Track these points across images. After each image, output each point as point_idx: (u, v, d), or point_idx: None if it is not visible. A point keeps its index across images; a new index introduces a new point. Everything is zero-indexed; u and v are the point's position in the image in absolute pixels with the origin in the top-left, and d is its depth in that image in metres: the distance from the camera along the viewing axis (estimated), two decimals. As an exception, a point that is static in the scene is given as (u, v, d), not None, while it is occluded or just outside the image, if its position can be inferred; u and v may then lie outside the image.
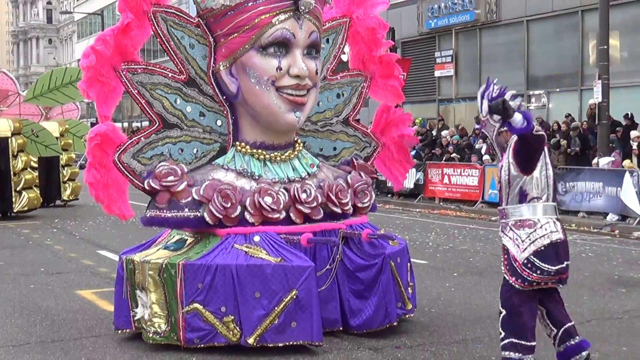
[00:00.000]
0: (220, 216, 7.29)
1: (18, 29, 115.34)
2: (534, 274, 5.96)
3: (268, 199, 7.42)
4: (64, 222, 18.32)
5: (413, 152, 22.66)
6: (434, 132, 25.56)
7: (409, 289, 8.06)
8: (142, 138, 7.53)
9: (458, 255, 13.04)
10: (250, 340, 6.93)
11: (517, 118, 5.79)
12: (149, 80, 7.59)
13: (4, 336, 7.90)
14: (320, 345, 7.08)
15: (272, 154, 7.85)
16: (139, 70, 7.55)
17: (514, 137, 6.02)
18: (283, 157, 7.90)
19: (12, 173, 19.10)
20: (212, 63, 7.77)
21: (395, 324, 7.72)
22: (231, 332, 6.96)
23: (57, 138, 21.20)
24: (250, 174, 7.63)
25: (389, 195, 23.80)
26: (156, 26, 7.58)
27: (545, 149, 6.12)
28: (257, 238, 7.26)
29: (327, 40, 8.54)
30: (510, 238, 6.09)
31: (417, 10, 30.05)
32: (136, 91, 7.53)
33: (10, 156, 19.08)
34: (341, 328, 7.62)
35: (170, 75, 7.67)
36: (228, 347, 7.03)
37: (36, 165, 21.72)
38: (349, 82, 8.79)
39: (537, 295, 6.15)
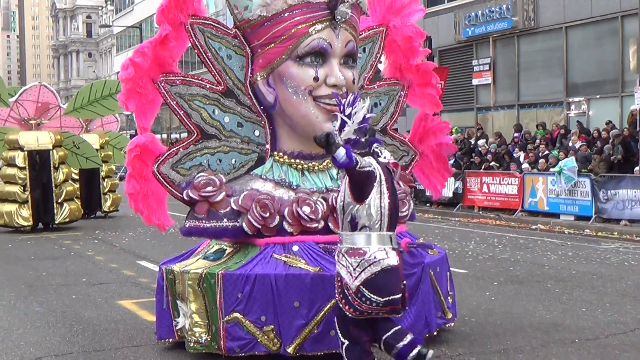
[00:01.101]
0: (259, 226, 7.31)
1: (58, 43, 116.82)
2: (364, 304, 5.84)
3: (306, 209, 7.42)
4: (104, 233, 18.48)
5: (452, 161, 22.58)
6: (472, 141, 25.42)
7: (449, 298, 8.02)
8: (180, 149, 7.58)
9: (498, 264, 12.94)
10: (290, 350, 6.93)
11: (340, 154, 5.65)
12: (187, 92, 7.64)
13: (48, 346, 7.98)
14: (360, 355, 7.04)
15: (310, 164, 7.86)
16: (177, 82, 7.61)
17: None
18: (321, 166, 7.90)
19: (53, 185, 19.31)
20: (249, 73, 7.80)
21: (434, 333, 7.68)
22: (271, 342, 6.96)
23: (97, 150, 21.41)
24: (289, 183, 7.64)
25: (427, 204, 23.69)
26: (194, 38, 7.64)
27: (383, 179, 5.97)
28: (295, 248, 7.27)
29: (364, 50, 8.54)
30: (343, 265, 5.95)
31: (454, 19, 29.93)
32: (174, 102, 7.58)
33: (52, 168, 19.29)
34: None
35: (208, 86, 7.72)
36: (268, 356, 7.04)
37: (77, 177, 21.99)
38: (386, 91, 8.78)
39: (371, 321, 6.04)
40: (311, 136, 7.70)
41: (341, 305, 5.96)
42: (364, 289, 5.82)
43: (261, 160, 7.84)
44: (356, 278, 5.83)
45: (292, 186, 7.63)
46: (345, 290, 5.90)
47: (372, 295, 5.83)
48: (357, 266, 5.85)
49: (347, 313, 5.93)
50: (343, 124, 5.95)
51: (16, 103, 19.65)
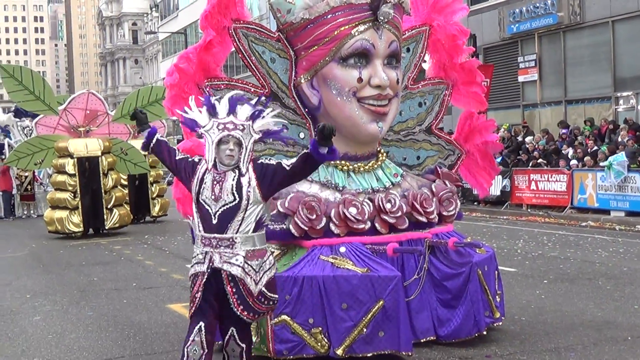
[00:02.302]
0: (306, 228, 7.33)
1: (105, 50, 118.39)
2: (263, 305, 5.71)
3: (353, 210, 7.42)
4: (153, 237, 18.67)
5: (499, 159, 22.42)
6: (519, 138, 25.21)
7: (497, 297, 7.97)
8: (225, 152, 7.62)
9: (548, 262, 12.82)
10: (339, 352, 6.93)
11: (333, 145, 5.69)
12: (232, 96, 7.68)
13: (100, 350, 8.09)
14: (410, 355, 7.04)
15: (355, 165, 7.86)
16: (222, 86, 7.66)
17: (267, 161, 5.89)
18: (366, 167, 7.90)
19: (103, 191, 19.55)
20: (293, 76, 7.83)
21: (484, 332, 7.64)
22: (319, 344, 6.98)
23: (145, 155, 21.62)
24: (335, 185, 7.65)
25: (475, 203, 23.55)
26: (237, 42, 7.69)
27: None
28: (343, 249, 7.27)
29: (408, 49, 8.52)
30: (243, 269, 5.64)
31: (498, 16, 29.71)
32: (220, 107, 7.62)
33: (101, 175, 19.54)
34: (428, 338, 7.58)
35: (252, 90, 7.76)
36: (317, 358, 7.05)
37: (126, 182, 22.24)
38: (431, 90, 8.75)
39: None
40: (356, 138, 7.74)
41: (238, 311, 5.67)
42: (265, 290, 5.71)
43: (307, 162, 7.84)
44: (259, 282, 5.67)
45: (338, 187, 7.64)
46: (246, 297, 5.65)
47: (272, 295, 5.77)
48: (259, 269, 5.69)
49: (245, 318, 5.71)
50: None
51: (65, 111, 19.94)
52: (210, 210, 5.65)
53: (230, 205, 5.63)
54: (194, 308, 5.73)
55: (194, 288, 5.72)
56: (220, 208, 5.64)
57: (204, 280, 5.66)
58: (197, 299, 5.69)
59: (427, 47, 8.69)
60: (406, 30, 8.39)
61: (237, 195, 5.63)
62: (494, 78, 25.74)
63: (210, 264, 5.65)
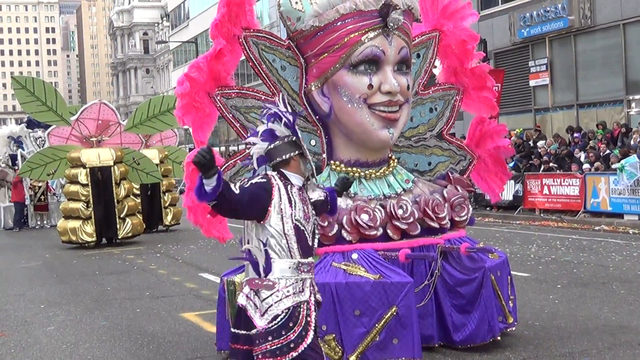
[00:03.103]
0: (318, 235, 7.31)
1: (117, 60, 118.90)
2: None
3: (365, 216, 7.42)
4: (166, 246, 18.69)
5: (511, 164, 22.37)
6: (531, 143, 25.15)
7: (510, 302, 7.95)
8: (238, 161, 7.66)
9: (561, 266, 12.77)
10: (352, 358, 6.92)
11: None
12: (243, 104, 7.71)
13: (113, 359, 8.10)
14: (423, 362, 7.03)
15: (367, 171, 7.86)
16: (233, 95, 7.69)
17: None
18: (378, 173, 7.90)
19: (115, 201, 19.60)
20: (303, 84, 7.84)
21: (498, 338, 7.62)
22: (333, 351, 6.96)
23: (157, 165, 21.70)
24: (346, 191, 7.65)
25: (488, 208, 23.49)
26: (248, 50, 7.71)
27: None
28: (355, 255, 7.27)
29: (418, 55, 8.52)
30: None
31: (509, 20, 29.68)
32: (231, 115, 7.66)
33: (114, 184, 19.58)
34: (441, 343, 7.56)
35: (263, 98, 7.77)
36: (330, 365, 7.04)
37: (138, 192, 22.29)
38: (441, 95, 8.75)
39: None
40: (367, 144, 7.74)
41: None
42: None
43: (318, 170, 7.86)
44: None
45: (350, 194, 7.63)
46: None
47: None
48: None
49: None
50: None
51: (77, 121, 20.02)
52: (305, 232, 5.24)
53: (315, 224, 5.36)
54: (305, 344, 5.11)
55: (298, 320, 5.11)
56: (311, 228, 5.30)
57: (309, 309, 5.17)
58: (310, 332, 5.14)
59: (437, 52, 8.69)
60: (416, 36, 8.40)
61: (314, 213, 5.39)
62: (505, 83, 25.65)
63: (311, 293, 5.23)
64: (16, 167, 26.71)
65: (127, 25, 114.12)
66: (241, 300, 5.20)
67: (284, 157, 5.31)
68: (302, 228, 5.20)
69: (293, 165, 5.33)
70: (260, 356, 5.06)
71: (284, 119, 5.40)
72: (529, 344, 7.83)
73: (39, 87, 19.56)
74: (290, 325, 5.09)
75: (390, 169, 8.02)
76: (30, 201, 27.06)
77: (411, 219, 7.63)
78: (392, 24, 7.52)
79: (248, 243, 5.28)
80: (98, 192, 19.47)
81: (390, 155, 8.16)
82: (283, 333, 5.07)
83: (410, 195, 7.86)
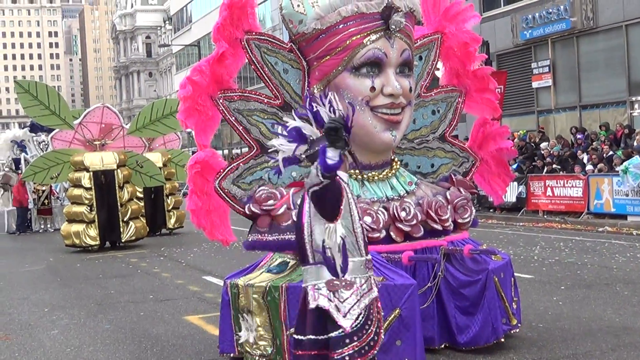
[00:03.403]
0: (322, 237, 7.32)
1: (120, 64, 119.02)
2: None
3: (367, 219, 7.42)
4: (170, 249, 18.70)
5: (514, 166, 22.36)
6: (534, 144, 25.13)
7: (514, 304, 7.94)
8: (241, 164, 7.66)
9: (565, 268, 12.76)
10: (356, 361, 6.91)
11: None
12: (246, 107, 7.72)
13: (117, 363, 8.13)
14: (427, 364, 7.03)
15: (369, 174, 7.87)
16: (236, 98, 7.69)
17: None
18: (381, 176, 7.90)
19: (119, 204, 19.61)
20: (306, 86, 7.85)
21: (502, 340, 7.61)
22: (336, 353, 6.96)
23: (160, 168, 21.72)
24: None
25: (491, 210, 23.48)
26: (250, 53, 7.71)
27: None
28: (358, 258, 7.25)
29: (420, 58, 8.53)
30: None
31: (511, 22, 29.68)
32: (233, 118, 7.67)
33: (117, 188, 19.60)
34: (447, 345, 7.56)
35: (265, 101, 7.78)
36: (334, 368, 7.04)
37: (142, 195, 22.30)
38: (444, 98, 8.76)
39: None
40: (370, 147, 7.74)
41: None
42: None
43: (320, 172, 7.85)
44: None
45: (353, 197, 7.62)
46: None
47: None
48: None
49: None
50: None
51: (80, 125, 20.04)
52: (364, 228, 5.39)
53: None
54: (381, 341, 5.30)
55: (373, 317, 5.25)
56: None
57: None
58: (382, 328, 5.34)
59: (439, 55, 8.70)
60: (418, 38, 8.40)
61: None
62: (508, 84, 25.71)
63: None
64: (19, 171, 26.74)
65: (129, 28, 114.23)
66: (323, 302, 5.17)
67: None
68: (362, 225, 5.28)
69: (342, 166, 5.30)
70: (347, 358, 5.09)
71: (324, 117, 5.37)
72: (533, 345, 7.83)
73: (42, 91, 19.58)
74: (369, 323, 5.20)
75: (393, 171, 8.03)
76: (33, 205, 27.09)
77: (414, 221, 7.63)
78: (394, 27, 7.53)
79: (321, 244, 5.21)
80: (101, 195, 19.48)
81: (393, 157, 8.16)
82: (364, 332, 5.17)
83: (413, 198, 7.86)
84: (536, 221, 21.18)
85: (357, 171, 7.78)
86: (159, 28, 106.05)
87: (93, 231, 19.36)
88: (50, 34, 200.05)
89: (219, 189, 7.51)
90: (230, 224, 7.77)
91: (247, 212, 7.53)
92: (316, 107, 5.49)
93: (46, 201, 27.23)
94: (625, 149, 20.46)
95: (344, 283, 5.17)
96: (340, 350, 5.11)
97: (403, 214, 7.58)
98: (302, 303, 5.35)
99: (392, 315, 6.89)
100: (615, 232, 18.09)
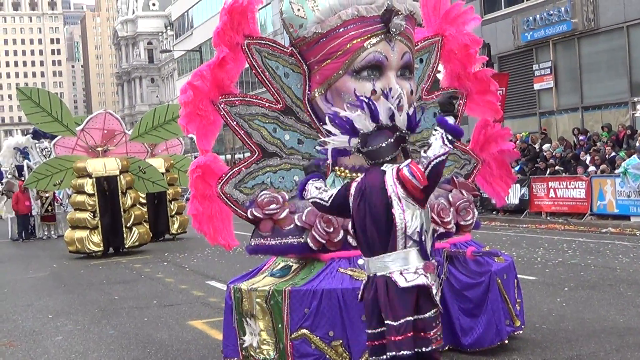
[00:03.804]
0: (324, 241, 7.34)
1: (122, 70, 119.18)
2: None
3: (370, 222, 7.41)
4: (173, 255, 18.71)
5: (517, 168, 22.35)
6: (537, 146, 25.12)
7: (517, 305, 7.94)
8: (242, 168, 7.67)
9: (568, 269, 12.75)
10: (360, 364, 6.93)
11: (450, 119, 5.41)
12: (247, 112, 7.72)
13: (121, 368, 8.13)
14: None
15: (372, 177, 7.85)
16: (237, 102, 7.70)
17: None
18: (383, 179, 7.89)
19: (122, 210, 19.63)
20: (307, 90, 7.85)
21: (506, 341, 7.61)
22: (340, 357, 6.98)
23: (163, 174, 21.74)
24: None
25: (494, 212, 23.46)
26: (251, 58, 7.72)
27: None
28: (361, 261, 7.21)
29: (421, 60, 8.53)
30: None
31: (512, 24, 29.68)
32: (235, 123, 7.67)
33: (120, 194, 19.62)
34: (450, 347, 7.56)
35: (267, 105, 7.79)
36: (338, 371, 7.05)
37: (145, 201, 22.33)
38: (445, 100, 8.73)
39: None
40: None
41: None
42: None
43: (323, 176, 7.85)
44: None
45: (355, 200, 7.62)
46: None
47: None
48: None
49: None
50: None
51: (83, 131, 20.07)
52: None
53: None
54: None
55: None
56: None
57: None
58: None
59: (440, 57, 8.70)
60: (419, 41, 8.41)
61: None
62: (510, 86, 25.71)
63: None
64: (23, 178, 26.78)
65: (131, 35, 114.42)
66: (423, 280, 5.39)
67: (391, 155, 5.58)
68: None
69: (398, 160, 5.61)
70: (439, 338, 5.46)
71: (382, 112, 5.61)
72: (537, 347, 7.82)
73: (44, 97, 19.61)
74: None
75: (395, 174, 8.01)
76: (37, 212, 27.12)
77: (416, 224, 7.61)
78: (394, 30, 7.53)
79: (419, 229, 5.44)
80: (104, 201, 19.51)
81: (394, 160, 8.15)
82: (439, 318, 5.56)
83: (415, 200, 7.84)
84: (539, 223, 21.16)
85: (359, 174, 7.77)
86: (160, 34, 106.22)
87: (96, 237, 19.39)
88: (52, 40, 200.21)
89: (221, 193, 7.52)
90: (233, 228, 7.77)
91: (250, 216, 7.54)
92: (370, 101, 5.72)
93: (50, 208, 27.29)
94: (628, 150, 20.44)
95: (432, 267, 5.48)
96: (433, 331, 5.41)
97: (405, 217, 7.56)
98: (383, 293, 5.42)
99: (396, 318, 6.87)
100: (619, 233, 18.07)
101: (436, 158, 5.30)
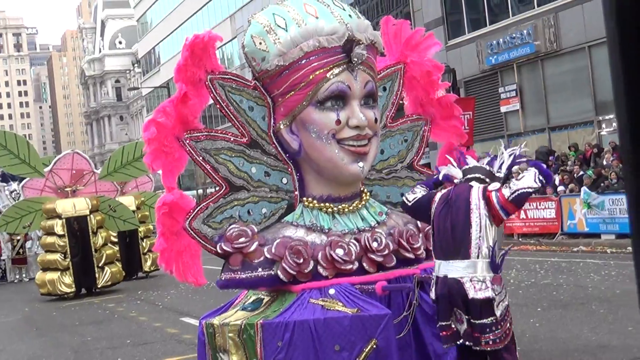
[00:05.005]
0: (294, 272, 7.32)
1: (90, 109, 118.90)
2: None
3: (340, 251, 7.42)
4: (146, 293, 18.60)
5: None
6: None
7: (491, 328, 7.94)
8: (210, 203, 7.64)
9: (541, 289, 12.82)
10: (335, 394, 6.89)
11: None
12: (213, 146, 7.71)
13: (95, 410, 8.04)
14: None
15: (339, 206, 7.87)
16: (202, 137, 7.68)
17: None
18: (351, 208, 7.91)
19: (93, 250, 19.52)
20: (272, 123, 7.86)
21: (480, 365, 7.61)
22: (315, 388, 6.93)
23: (133, 211, 21.65)
24: (320, 227, 7.65)
25: (466, 236, 23.51)
26: (214, 93, 7.72)
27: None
28: (332, 291, 7.26)
29: (384, 89, 8.57)
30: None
31: (476, 48, 30.01)
32: (201, 158, 7.66)
33: (91, 233, 19.51)
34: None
35: (232, 139, 7.79)
36: (313, 403, 7.00)
37: (116, 239, 22.20)
38: (410, 127, 8.80)
39: None
40: (339, 179, 7.77)
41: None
42: None
43: (291, 207, 7.87)
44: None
45: (324, 230, 7.64)
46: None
47: None
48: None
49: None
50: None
51: (51, 172, 19.99)
52: None
53: None
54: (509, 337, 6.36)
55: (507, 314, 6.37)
56: None
57: None
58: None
59: (403, 84, 8.75)
60: (381, 69, 8.46)
61: None
62: (477, 110, 25.83)
63: None
64: (-8, 222, 26.51)
65: (98, 73, 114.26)
66: (488, 294, 6.22)
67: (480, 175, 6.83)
68: None
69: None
70: (491, 342, 6.26)
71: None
72: (511, 369, 7.82)
73: (10, 140, 19.52)
74: (508, 315, 6.36)
75: (363, 202, 8.04)
76: (7, 256, 26.86)
77: (386, 251, 7.64)
78: (356, 59, 7.58)
79: (493, 243, 6.40)
80: (75, 242, 19.41)
81: (362, 188, 8.18)
82: (504, 322, 6.32)
83: (384, 228, 7.87)
84: (511, 244, 21.24)
85: (327, 204, 7.80)
86: (128, 71, 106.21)
87: (68, 278, 19.25)
88: (19, 82, 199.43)
89: (189, 229, 7.48)
90: (201, 264, 7.74)
91: (219, 250, 7.50)
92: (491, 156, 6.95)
93: (21, 250, 27.04)
94: (596, 168, 20.65)
95: (500, 279, 6.28)
96: (487, 335, 6.22)
97: (375, 245, 7.59)
98: (456, 293, 6.34)
99: (369, 347, 6.87)
100: (590, 252, 18.21)
101: (524, 189, 6.33)
